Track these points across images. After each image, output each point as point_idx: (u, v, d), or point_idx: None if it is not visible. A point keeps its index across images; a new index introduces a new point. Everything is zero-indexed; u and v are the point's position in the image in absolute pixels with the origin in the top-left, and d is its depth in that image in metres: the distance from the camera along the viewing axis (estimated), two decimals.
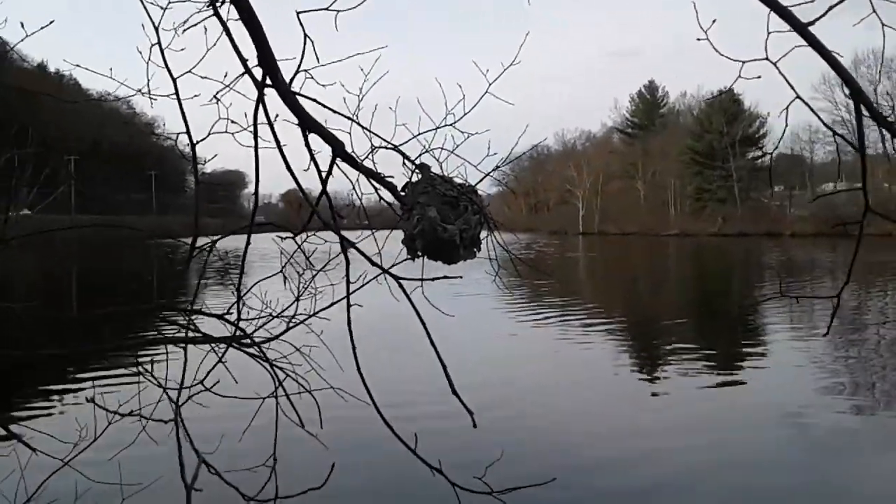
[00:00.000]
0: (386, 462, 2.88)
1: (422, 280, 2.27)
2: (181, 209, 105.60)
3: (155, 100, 2.28)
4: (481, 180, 3.05)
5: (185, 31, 2.08)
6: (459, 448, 5.50)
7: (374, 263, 2.14)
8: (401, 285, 2.12)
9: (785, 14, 1.65)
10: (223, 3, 1.77)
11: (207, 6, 1.82)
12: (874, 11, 1.79)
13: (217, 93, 2.04)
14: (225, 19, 1.90)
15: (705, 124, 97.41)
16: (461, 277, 2.22)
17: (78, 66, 2.85)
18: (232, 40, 1.82)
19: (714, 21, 1.88)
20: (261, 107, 1.95)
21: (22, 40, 2.43)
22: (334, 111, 2.07)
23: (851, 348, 14.62)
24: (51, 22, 2.83)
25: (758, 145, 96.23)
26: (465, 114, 2.78)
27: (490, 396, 9.78)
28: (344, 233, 2.36)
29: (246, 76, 2.04)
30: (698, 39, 1.88)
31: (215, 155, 2.58)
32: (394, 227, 2.67)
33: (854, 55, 68.55)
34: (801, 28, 1.66)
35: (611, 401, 11.19)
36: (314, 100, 1.96)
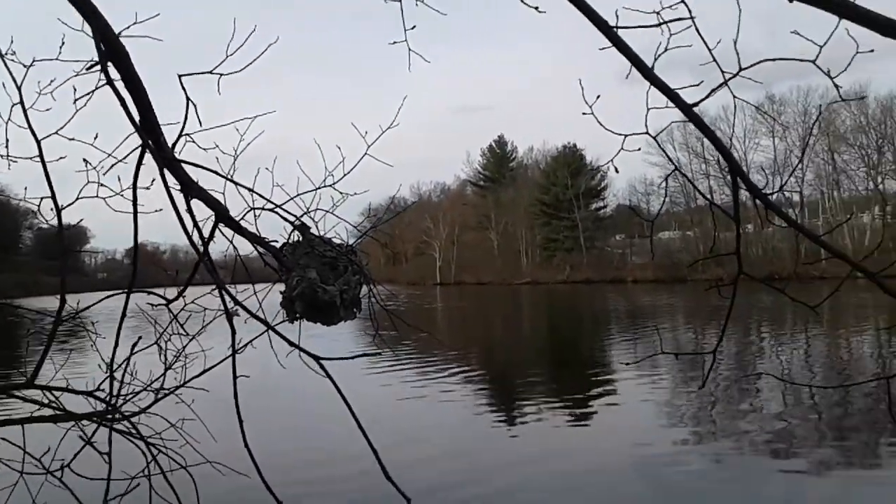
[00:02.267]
0: None
1: (342, 358, 2.20)
2: (15, 267, 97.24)
3: (15, 162, 2.11)
4: (360, 238, 3.07)
5: (51, 91, 1.97)
6: None
7: (291, 343, 2.06)
8: (322, 365, 2.05)
9: (672, 96, 1.81)
10: (98, 67, 1.68)
11: (90, 68, 1.72)
12: (726, 85, 1.99)
13: (107, 162, 1.92)
14: (98, 84, 1.81)
15: (552, 177, 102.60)
16: (380, 354, 2.19)
17: None
18: (123, 102, 1.73)
19: (597, 97, 2.02)
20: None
21: None
22: (217, 173, 2.01)
23: (692, 385, 15.70)
24: None
25: (600, 196, 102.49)
26: (345, 175, 2.80)
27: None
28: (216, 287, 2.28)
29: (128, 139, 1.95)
30: (584, 113, 2.01)
31: (81, 220, 2.41)
32: (275, 281, 2.62)
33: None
34: (686, 108, 1.81)
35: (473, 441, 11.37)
36: (198, 165, 1.91)
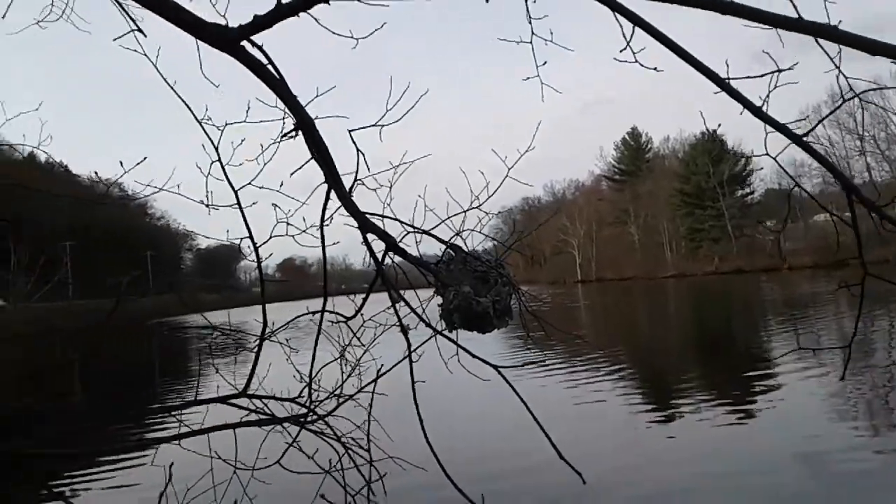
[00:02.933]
0: None
1: (515, 366, 2.49)
2: (178, 287, 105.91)
3: (217, 209, 2.56)
4: (506, 252, 3.35)
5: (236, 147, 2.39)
6: None
7: (473, 355, 2.38)
8: (500, 373, 2.35)
9: (783, 129, 1.96)
10: (295, 134, 2.08)
11: (285, 136, 2.13)
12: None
13: (301, 208, 2.34)
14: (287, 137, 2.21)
15: (691, 166, 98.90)
16: (544, 362, 2.45)
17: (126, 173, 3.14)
18: (323, 164, 2.14)
19: (719, 125, 2.19)
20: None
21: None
22: (383, 216, 2.36)
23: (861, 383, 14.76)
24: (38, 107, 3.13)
25: (745, 183, 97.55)
26: (489, 197, 3.08)
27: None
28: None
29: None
30: (715, 93, 2.14)
31: (270, 253, 2.84)
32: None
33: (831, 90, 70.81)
34: (797, 140, 1.96)
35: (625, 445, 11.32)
36: (371, 213, 2.27)
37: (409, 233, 2.89)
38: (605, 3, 2.05)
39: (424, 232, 2.72)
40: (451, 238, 3.02)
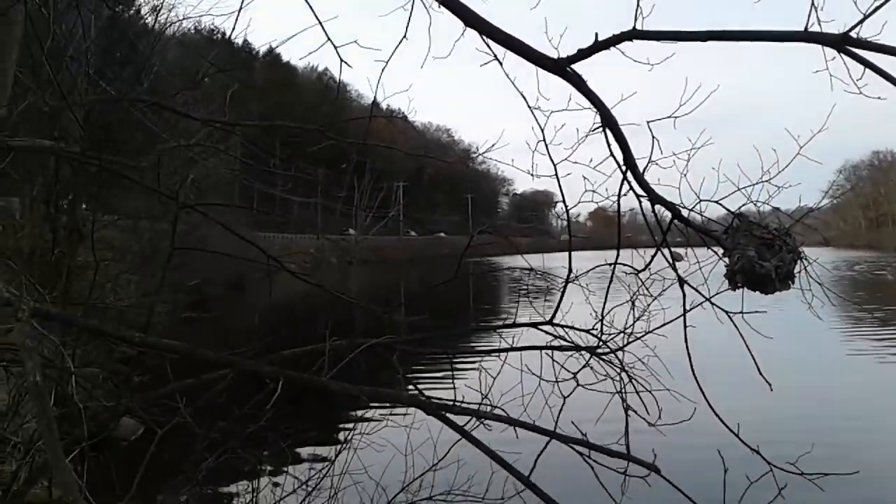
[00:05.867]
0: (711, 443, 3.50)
1: (741, 313, 2.93)
2: (495, 228, 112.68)
3: (538, 177, 3.28)
4: (794, 224, 3.62)
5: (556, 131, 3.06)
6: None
7: (704, 296, 2.87)
8: (729, 316, 2.82)
9: None
10: (605, 127, 2.72)
11: (593, 130, 2.78)
12: None
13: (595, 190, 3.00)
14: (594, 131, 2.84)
15: None
16: (766, 311, 2.84)
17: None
18: (612, 154, 2.76)
19: None
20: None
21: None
22: (666, 203, 2.89)
23: None
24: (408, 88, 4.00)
25: None
26: (781, 170, 3.38)
27: None
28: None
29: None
30: None
31: (578, 214, 3.49)
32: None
33: None
34: None
35: None
36: (657, 196, 2.81)
37: (700, 201, 3.34)
38: None
39: (708, 200, 3.16)
40: (739, 207, 3.40)
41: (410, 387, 4.74)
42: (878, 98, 2.47)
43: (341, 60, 3.23)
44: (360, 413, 10.46)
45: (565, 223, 3.62)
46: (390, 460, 5.34)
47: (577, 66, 2.80)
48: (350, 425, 10.17)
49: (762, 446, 2.95)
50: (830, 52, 2.54)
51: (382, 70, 3.21)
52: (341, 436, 9.47)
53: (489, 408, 3.29)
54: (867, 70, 2.35)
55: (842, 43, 2.32)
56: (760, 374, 2.89)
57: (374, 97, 3.54)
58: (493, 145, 4.34)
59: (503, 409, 3.32)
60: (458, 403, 3.19)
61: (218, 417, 4.59)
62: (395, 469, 5.20)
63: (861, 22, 2.30)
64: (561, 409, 3.53)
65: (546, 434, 3.09)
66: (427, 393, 3.79)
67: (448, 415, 3.10)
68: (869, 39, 2.28)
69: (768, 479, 2.90)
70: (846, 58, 2.38)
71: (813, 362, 16.15)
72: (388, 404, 6.60)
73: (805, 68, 2.86)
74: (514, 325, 3.71)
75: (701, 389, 2.95)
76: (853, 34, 2.29)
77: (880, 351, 17.56)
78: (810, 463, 3.06)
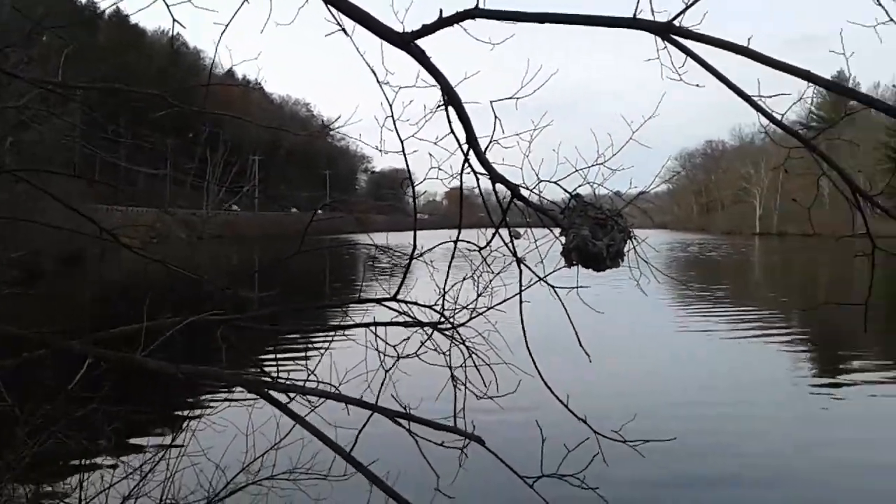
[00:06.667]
0: (545, 415, 3.69)
1: (572, 288, 3.06)
2: (351, 207, 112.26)
3: (386, 153, 3.25)
4: (624, 207, 3.81)
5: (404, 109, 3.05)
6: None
7: (537, 275, 2.96)
8: (555, 291, 2.93)
9: (795, 134, 2.30)
10: (448, 106, 2.71)
11: (438, 108, 2.77)
12: None
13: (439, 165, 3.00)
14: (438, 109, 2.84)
15: None
16: (588, 287, 2.98)
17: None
18: (453, 132, 2.76)
19: None
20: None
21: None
22: (506, 182, 2.96)
23: None
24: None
25: None
26: (615, 153, 3.54)
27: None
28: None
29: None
30: None
31: (424, 190, 3.50)
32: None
33: None
34: (806, 142, 2.31)
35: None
36: (498, 175, 2.87)
37: (539, 182, 3.45)
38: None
39: (547, 181, 3.26)
40: (575, 189, 3.54)
41: (254, 368, 4.62)
42: (697, 86, 2.65)
43: (174, 20, 3.06)
44: (200, 395, 10.13)
45: (421, 202, 3.63)
46: (231, 441, 5.19)
47: (425, 43, 2.81)
48: (189, 408, 9.82)
49: (591, 417, 3.11)
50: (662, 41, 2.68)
51: (221, 34, 3.07)
52: (179, 419, 9.12)
53: (318, 384, 3.25)
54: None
55: (666, 31, 2.44)
56: (581, 346, 3.04)
57: (213, 63, 3.37)
58: (347, 120, 4.26)
59: (333, 386, 3.30)
60: (279, 380, 3.13)
61: (45, 401, 4.30)
62: (235, 450, 5.07)
63: (684, 11, 2.43)
64: (383, 383, 3.57)
65: (368, 408, 3.09)
66: (277, 373, 3.70)
67: (272, 392, 3.03)
68: (691, 29, 2.42)
69: (597, 448, 3.07)
70: (672, 46, 2.50)
71: (643, 337, 17.35)
72: (231, 385, 6.40)
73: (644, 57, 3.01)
74: (359, 300, 3.69)
75: (535, 363, 3.07)
76: (676, 23, 2.42)
77: (707, 327, 19.07)
78: (634, 432, 3.26)
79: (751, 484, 7.73)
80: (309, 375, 3.44)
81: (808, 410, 11.03)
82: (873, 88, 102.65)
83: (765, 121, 2.54)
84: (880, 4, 2.70)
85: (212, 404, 8.90)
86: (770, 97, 2.51)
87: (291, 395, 3.16)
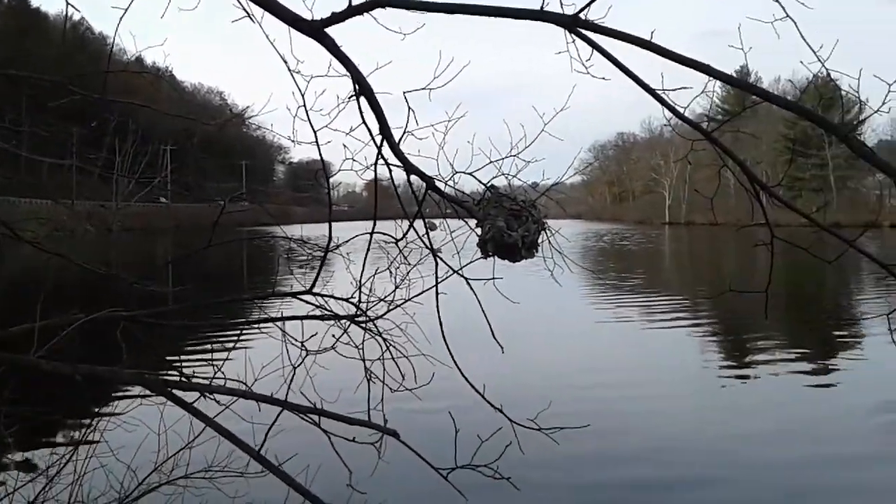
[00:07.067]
0: (461, 405, 3.73)
1: (489, 279, 3.09)
2: (270, 198, 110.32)
3: (300, 143, 3.20)
4: (538, 198, 3.87)
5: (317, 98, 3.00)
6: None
7: (451, 268, 2.97)
8: (469, 283, 2.95)
9: (697, 127, 2.39)
10: (359, 96, 2.67)
11: (351, 98, 2.73)
12: None
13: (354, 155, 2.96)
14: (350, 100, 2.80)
15: None
16: (502, 278, 3.02)
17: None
18: (365, 123, 2.73)
19: None
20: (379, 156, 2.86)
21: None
22: (422, 175, 2.96)
23: None
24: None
25: (856, 131, 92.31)
26: (528, 145, 3.59)
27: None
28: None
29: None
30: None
31: (340, 182, 3.47)
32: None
33: None
34: (706, 134, 2.40)
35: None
36: (412, 166, 2.86)
37: (455, 173, 3.46)
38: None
39: (462, 172, 3.28)
40: (490, 180, 3.57)
41: (163, 367, 4.47)
42: (604, 79, 2.71)
43: (67, 3, 2.91)
44: (110, 394, 9.77)
45: (340, 193, 3.60)
46: (143, 441, 5.03)
47: (336, 32, 2.76)
48: (98, 408, 9.45)
49: (507, 406, 3.15)
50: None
51: (121, 18, 2.93)
52: (88, 419, 8.77)
53: (225, 381, 3.18)
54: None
55: (572, 24, 2.49)
56: (494, 337, 3.07)
57: (112, 48, 3.23)
58: (260, 110, 4.18)
59: (244, 384, 3.24)
60: (185, 380, 3.04)
61: None
62: (147, 450, 4.91)
63: (589, 4, 2.47)
64: (291, 378, 3.52)
65: (278, 405, 3.05)
66: (181, 372, 3.59)
67: (177, 392, 2.94)
68: (596, 22, 2.47)
69: (513, 437, 3.12)
70: (579, 39, 2.55)
71: (559, 326, 17.73)
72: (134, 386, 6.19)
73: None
74: (273, 294, 3.62)
75: (451, 354, 3.08)
76: (582, 16, 2.47)
77: (620, 315, 19.64)
78: (549, 419, 3.33)
79: (659, 465, 8.02)
80: (216, 373, 3.35)
81: (714, 393, 11.50)
82: (774, 83, 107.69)
83: (669, 113, 2.61)
84: (777, 1, 2.81)
85: (122, 403, 8.60)
86: (673, 90, 2.59)
87: (198, 394, 3.08)
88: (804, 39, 2.63)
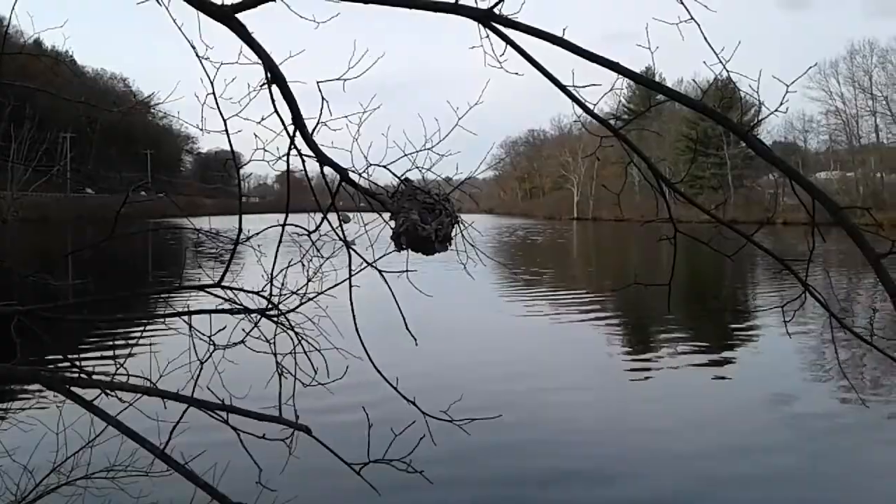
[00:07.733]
0: (375, 399, 3.74)
1: (401, 272, 3.09)
2: (177, 189, 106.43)
3: (208, 132, 3.10)
4: (452, 191, 3.89)
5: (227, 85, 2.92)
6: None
7: (366, 261, 2.96)
8: (382, 276, 2.95)
9: (607, 125, 2.48)
10: (271, 84, 2.61)
11: (262, 86, 2.66)
12: None
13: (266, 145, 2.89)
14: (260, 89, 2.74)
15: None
16: (416, 271, 3.03)
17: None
18: (277, 112, 2.67)
19: None
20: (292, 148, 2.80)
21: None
22: (335, 165, 2.92)
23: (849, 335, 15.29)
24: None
25: (752, 132, 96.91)
26: (443, 139, 3.60)
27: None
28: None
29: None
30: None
31: (251, 172, 3.39)
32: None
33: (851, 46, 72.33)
34: (614, 131, 2.49)
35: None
36: (324, 157, 2.81)
37: (369, 166, 3.44)
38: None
39: (376, 165, 3.26)
40: (405, 172, 3.56)
41: (63, 364, 4.27)
42: (517, 74, 2.75)
43: None
44: (2, 392, 9.24)
45: (251, 185, 3.50)
46: (40, 441, 4.79)
47: (247, 18, 2.69)
48: None
49: (420, 399, 3.16)
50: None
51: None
52: None
53: (128, 378, 3.07)
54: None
55: (486, 18, 2.51)
56: (408, 330, 3.08)
57: (6, 30, 3.04)
58: (167, 97, 4.06)
59: (148, 380, 3.13)
60: (84, 376, 2.92)
61: None
62: (45, 450, 4.68)
63: None
64: (198, 374, 3.44)
65: (184, 402, 2.97)
66: (80, 368, 3.43)
67: (76, 389, 2.82)
68: (509, 17, 2.50)
69: (426, 430, 3.13)
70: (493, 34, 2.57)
71: (471, 319, 17.95)
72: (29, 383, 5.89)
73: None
74: (180, 287, 3.51)
75: (364, 347, 3.07)
76: (497, 11, 2.49)
77: (531, 308, 20.06)
78: (461, 411, 3.36)
79: (569, 457, 8.24)
80: (119, 369, 3.22)
81: (621, 386, 11.90)
82: (678, 83, 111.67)
83: (579, 110, 2.68)
84: (682, 3, 2.91)
85: (16, 402, 8.16)
86: (583, 87, 2.66)
87: (99, 392, 2.95)
88: (707, 41, 2.73)
